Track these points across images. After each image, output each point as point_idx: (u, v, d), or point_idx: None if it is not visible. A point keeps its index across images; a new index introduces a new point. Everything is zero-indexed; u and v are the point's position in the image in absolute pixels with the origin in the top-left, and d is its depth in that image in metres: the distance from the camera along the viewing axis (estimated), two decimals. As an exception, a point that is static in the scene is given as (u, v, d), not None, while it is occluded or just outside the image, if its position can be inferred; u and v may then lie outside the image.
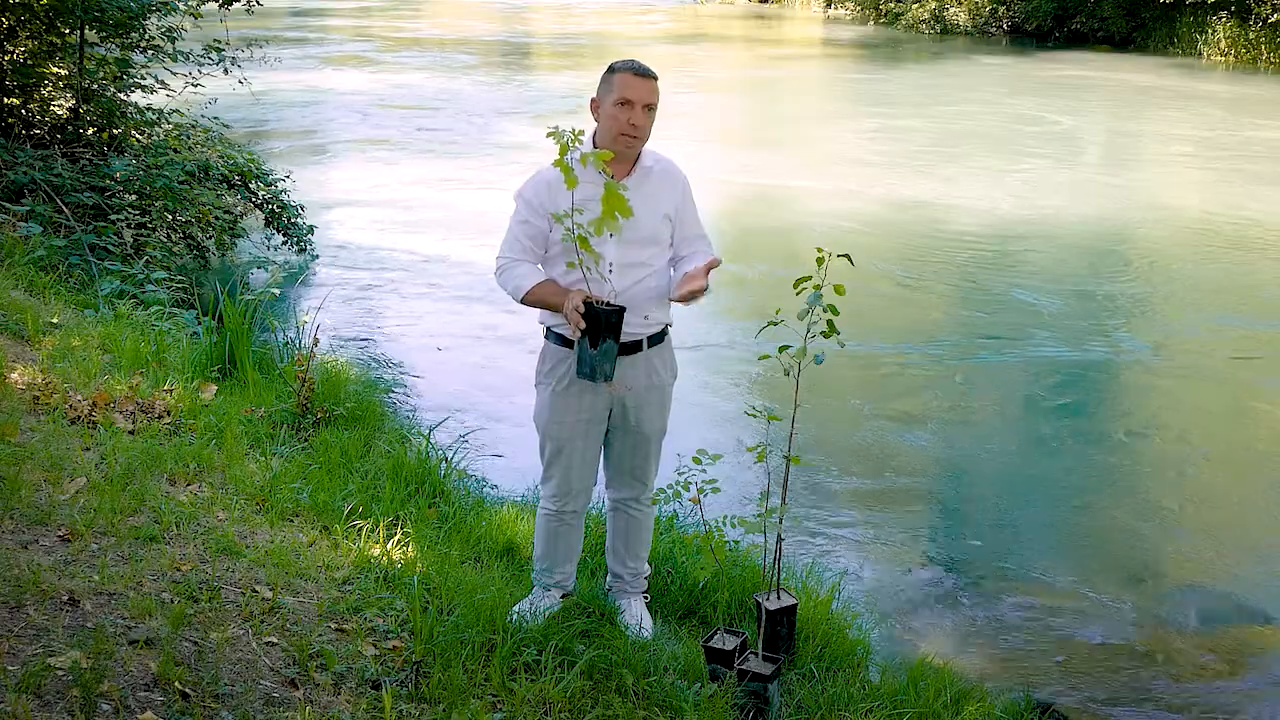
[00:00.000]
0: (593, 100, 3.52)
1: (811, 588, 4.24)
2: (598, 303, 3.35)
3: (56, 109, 9.66)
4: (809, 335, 3.37)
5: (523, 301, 3.53)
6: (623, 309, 3.38)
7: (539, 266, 3.57)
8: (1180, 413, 7.12)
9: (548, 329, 3.63)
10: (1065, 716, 3.92)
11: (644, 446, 3.73)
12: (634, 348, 3.58)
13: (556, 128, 3.21)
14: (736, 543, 4.37)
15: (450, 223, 11.54)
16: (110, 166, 8.67)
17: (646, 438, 3.71)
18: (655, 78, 3.48)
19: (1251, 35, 26.82)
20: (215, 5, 11.24)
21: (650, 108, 3.46)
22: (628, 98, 3.42)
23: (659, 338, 3.66)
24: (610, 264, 3.49)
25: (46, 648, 2.81)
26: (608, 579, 4.01)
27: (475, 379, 7.33)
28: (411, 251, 10.47)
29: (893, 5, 36.75)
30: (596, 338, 3.34)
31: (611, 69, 3.50)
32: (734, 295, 9.01)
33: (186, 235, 8.87)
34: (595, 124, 3.53)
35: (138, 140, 9.60)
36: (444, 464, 5.04)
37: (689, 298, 3.41)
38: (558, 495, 3.73)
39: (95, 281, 7.18)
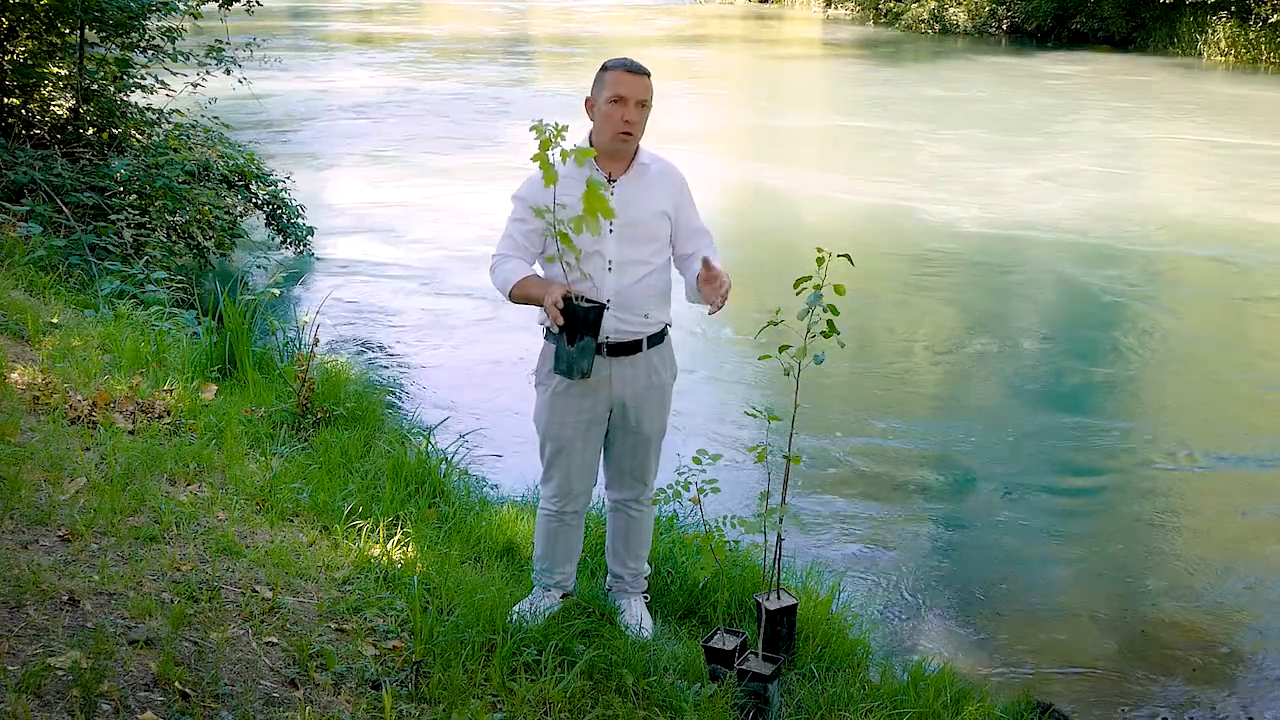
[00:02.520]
0: (587, 99, 3.53)
1: (811, 588, 4.24)
2: (578, 299, 3.34)
3: (56, 109, 9.66)
4: (809, 335, 3.37)
5: (509, 297, 3.52)
6: (603, 306, 3.37)
7: (532, 265, 3.57)
8: (1181, 417, 7.12)
9: (547, 330, 3.63)
10: (1065, 716, 3.92)
11: (644, 446, 3.73)
12: (634, 348, 3.58)
13: (540, 120, 3.20)
14: (736, 543, 4.36)
15: (451, 223, 11.54)
16: (110, 166, 8.67)
17: (647, 438, 3.71)
18: (648, 74, 3.49)
19: (1251, 35, 26.82)
20: (215, 5, 11.24)
21: (644, 104, 3.46)
22: (621, 94, 3.43)
23: (659, 337, 3.66)
24: (610, 262, 3.49)
25: (46, 648, 2.81)
26: (608, 579, 4.01)
27: (475, 379, 7.33)
28: (412, 252, 10.48)
29: (892, 5, 36.75)
30: (574, 334, 3.32)
31: (604, 67, 3.51)
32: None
33: (186, 235, 8.87)
34: (591, 123, 3.54)
35: (138, 140, 9.59)
36: (444, 464, 5.04)
37: (720, 298, 3.38)
38: (558, 496, 3.73)
39: (95, 281, 7.18)
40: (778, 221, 11.97)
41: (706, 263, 3.43)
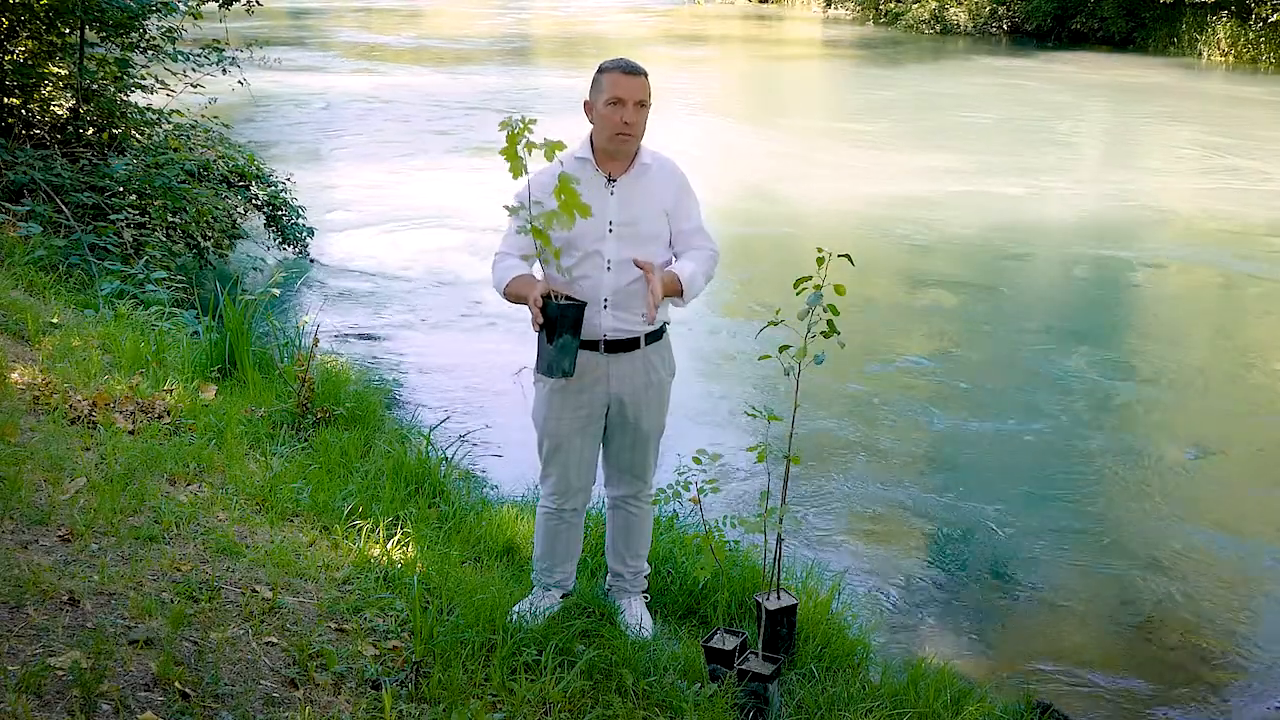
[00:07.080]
0: (586, 102, 3.53)
1: (811, 588, 4.24)
2: (556, 297, 3.33)
3: (56, 109, 9.66)
4: (809, 335, 3.37)
5: (504, 296, 3.54)
6: (582, 305, 3.35)
7: (532, 264, 3.57)
8: (1182, 417, 7.12)
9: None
10: (1065, 716, 3.92)
11: (642, 444, 3.73)
12: (632, 345, 3.58)
13: (508, 117, 3.17)
14: (736, 543, 4.37)
15: (451, 223, 11.54)
16: (110, 166, 8.67)
17: (645, 435, 3.71)
18: (645, 74, 3.49)
19: (1251, 35, 26.82)
20: (215, 5, 11.24)
21: (642, 104, 3.46)
22: (619, 96, 3.43)
23: (657, 335, 3.66)
24: (609, 261, 3.49)
25: (46, 648, 2.81)
26: (608, 579, 4.01)
27: (475, 379, 7.32)
28: (412, 251, 10.47)
29: (893, 5, 36.75)
30: (553, 333, 3.31)
31: (601, 69, 3.50)
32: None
33: (186, 235, 8.87)
34: (591, 125, 3.54)
35: (138, 140, 9.59)
36: (444, 464, 5.04)
37: (648, 305, 3.37)
38: (557, 493, 3.74)
39: (95, 281, 7.17)
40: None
41: (641, 263, 3.40)
